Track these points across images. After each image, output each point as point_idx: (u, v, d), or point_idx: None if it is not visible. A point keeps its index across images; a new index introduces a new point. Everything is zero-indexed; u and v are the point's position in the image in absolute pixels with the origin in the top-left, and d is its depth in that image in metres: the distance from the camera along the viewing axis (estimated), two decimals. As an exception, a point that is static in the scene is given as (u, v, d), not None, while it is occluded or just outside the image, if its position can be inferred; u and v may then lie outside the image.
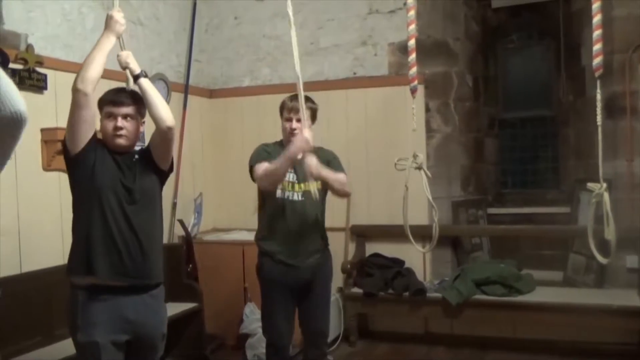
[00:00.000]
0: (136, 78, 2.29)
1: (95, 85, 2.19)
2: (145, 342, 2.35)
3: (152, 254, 2.32)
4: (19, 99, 1.52)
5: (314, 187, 2.80)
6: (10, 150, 1.57)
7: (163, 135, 2.31)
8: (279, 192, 2.86)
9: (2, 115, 1.47)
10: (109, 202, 2.24)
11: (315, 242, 2.94)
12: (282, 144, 2.97)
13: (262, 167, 2.80)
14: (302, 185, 2.86)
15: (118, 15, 2.28)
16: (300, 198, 2.86)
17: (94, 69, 2.19)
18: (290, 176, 2.86)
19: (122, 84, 2.42)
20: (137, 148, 2.43)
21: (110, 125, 2.29)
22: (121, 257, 2.24)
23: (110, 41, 2.27)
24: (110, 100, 2.30)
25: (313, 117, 2.93)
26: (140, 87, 2.30)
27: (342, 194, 2.97)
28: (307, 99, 2.92)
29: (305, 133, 2.62)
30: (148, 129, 2.43)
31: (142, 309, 2.29)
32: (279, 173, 2.74)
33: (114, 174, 2.27)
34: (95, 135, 2.30)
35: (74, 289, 2.29)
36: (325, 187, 2.92)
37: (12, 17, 3.14)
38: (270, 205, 2.91)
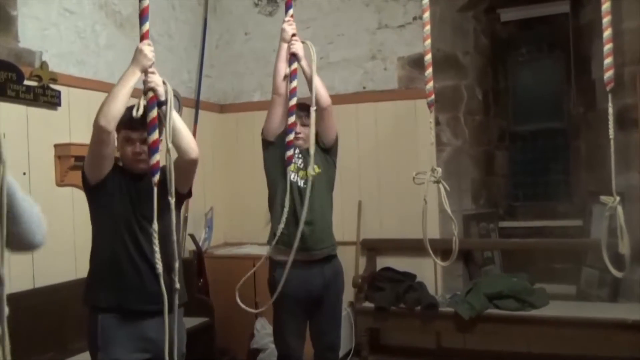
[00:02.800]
0: (161, 104, 2.09)
1: (117, 122, 2.12)
2: None
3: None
4: (41, 231, 1.68)
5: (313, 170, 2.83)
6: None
7: (186, 166, 2.27)
8: (290, 174, 2.84)
9: (25, 243, 1.64)
10: (124, 235, 2.25)
11: (323, 233, 2.93)
12: None
13: None
14: (306, 172, 2.88)
15: (147, 49, 2.08)
16: (303, 185, 2.87)
17: (117, 105, 2.10)
18: (299, 162, 2.91)
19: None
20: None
21: (129, 150, 2.28)
22: (141, 285, 2.24)
23: (135, 75, 2.11)
24: (128, 124, 2.24)
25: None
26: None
27: (324, 95, 2.87)
28: (305, 106, 2.95)
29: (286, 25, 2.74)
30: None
31: (163, 328, 2.29)
32: (278, 66, 2.83)
33: (131, 202, 2.28)
34: (114, 163, 2.30)
35: (94, 312, 2.30)
36: (325, 171, 2.95)
37: (27, 35, 3.20)
38: (279, 191, 2.89)
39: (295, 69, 2.69)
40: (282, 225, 2.71)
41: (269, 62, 4.87)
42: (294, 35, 2.78)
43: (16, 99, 3.05)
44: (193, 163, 2.30)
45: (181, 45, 4.55)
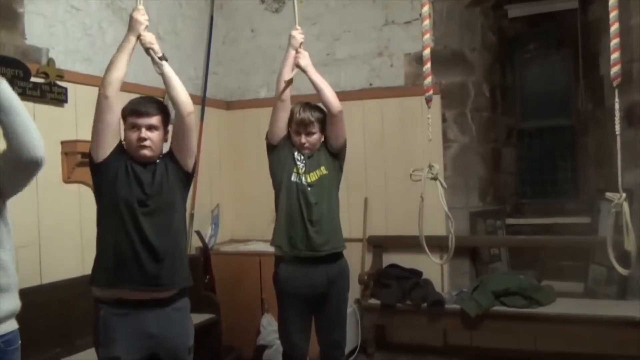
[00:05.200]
0: (160, 59, 2.30)
1: (118, 88, 2.22)
2: (171, 357, 2.33)
3: (167, 261, 2.28)
4: (41, 145, 1.68)
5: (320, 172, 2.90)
6: (21, 187, 1.68)
7: (182, 121, 2.31)
8: (293, 176, 2.89)
9: (25, 159, 1.63)
10: (124, 213, 2.23)
11: (328, 234, 2.92)
12: None
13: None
14: (310, 174, 2.90)
15: (138, 15, 2.26)
16: (309, 188, 2.88)
17: (116, 71, 2.21)
18: (301, 165, 2.90)
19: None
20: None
21: (134, 136, 2.28)
22: (136, 267, 2.23)
23: (130, 41, 2.26)
24: (134, 111, 2.28)
25: (323, 121, 2.96)
26: (162, 70, 2.32)
27: (334, 103, 2.89)
28: (317, 107, 2.95)
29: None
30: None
31: (165, 323, 2.27)
32: (283, 72, 2.90)
33: (132, 183, 2.26)
34: (120, 143, 2.31)
35: (97, 304, 2.30)
36: (332, 173, 2.96)
37: (34, 33, 3.21)
38: (283, 193, 2.91)
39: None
40: (289, 226, 2.83)
41: (275, 59, 4.89)
42: (301, 44, 2.89)
43: (23, 95, 3.05)
44: (188, 117, 2.34)
45: (188, 42, 4.56)
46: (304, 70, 2.88)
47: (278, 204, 2.96)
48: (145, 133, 2.27)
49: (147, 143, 2.26)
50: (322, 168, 2.93)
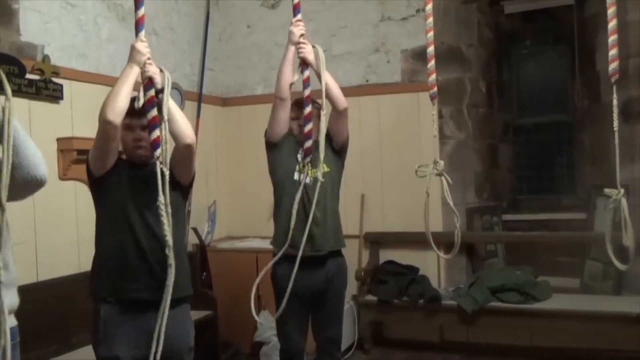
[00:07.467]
0: (158, 92, 2.16)
1: (123, 116, 2.14)
2: (171, 356, 2.26)
3: (178, 266, 2.28)
4: (43, 165, 1.70)
5: (322, 171, 2.82)
6: (20, 199, 1.70)
7: (182, 151, 2.26)
8: (295, 174, 2.87)
9: (29, 179, 1.67)
10: (131, 219, 2.24)
11: (331, 233, 2.92)
12: None
13: None
14: (312, 171, 2.84)
15: (140, 46, 2.12)
16: (311, 182, 2.84)
17: (122, 100, 2.12)
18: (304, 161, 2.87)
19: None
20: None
21: (129, 137, 2.28)
22: (143, 274, 2.22)
23: (133, 72, 2.14)
24: (128, 112, 2.23)
25: (318, 116, 2.93)
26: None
27: (341, 99, 2.91)
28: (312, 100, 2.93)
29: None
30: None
31: (167, 320, 2.26)
32: (283, 70, 2.79)
33: (137, 191, 2.26)
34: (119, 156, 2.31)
35: (96, 302, 2.28)
36: (335, 171, 2.95)
37: (29, 29, 3.19)
38: (285, 192, 2.89)
39: (308, 77, 2.68)
40: (292, 225, 2.71)
41: (272, 55, 4.89)
42: (302, 36, 2.74)
43: (18, 92, 3.04)
44: (188, 148, 2.26)
45: (184, 39, 4.54)
46: (310, 64, 2.74)
47: (279, 203, 2.94)
48: (140, 133, 2.26)
49: (142, 143, 2.26)
50: (325, 166, 2.91)
